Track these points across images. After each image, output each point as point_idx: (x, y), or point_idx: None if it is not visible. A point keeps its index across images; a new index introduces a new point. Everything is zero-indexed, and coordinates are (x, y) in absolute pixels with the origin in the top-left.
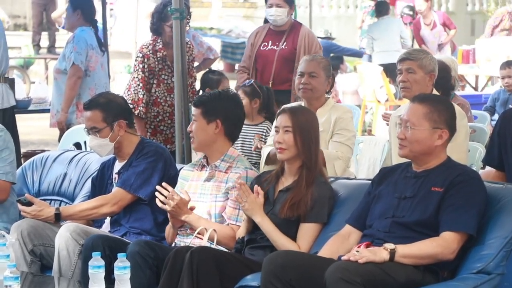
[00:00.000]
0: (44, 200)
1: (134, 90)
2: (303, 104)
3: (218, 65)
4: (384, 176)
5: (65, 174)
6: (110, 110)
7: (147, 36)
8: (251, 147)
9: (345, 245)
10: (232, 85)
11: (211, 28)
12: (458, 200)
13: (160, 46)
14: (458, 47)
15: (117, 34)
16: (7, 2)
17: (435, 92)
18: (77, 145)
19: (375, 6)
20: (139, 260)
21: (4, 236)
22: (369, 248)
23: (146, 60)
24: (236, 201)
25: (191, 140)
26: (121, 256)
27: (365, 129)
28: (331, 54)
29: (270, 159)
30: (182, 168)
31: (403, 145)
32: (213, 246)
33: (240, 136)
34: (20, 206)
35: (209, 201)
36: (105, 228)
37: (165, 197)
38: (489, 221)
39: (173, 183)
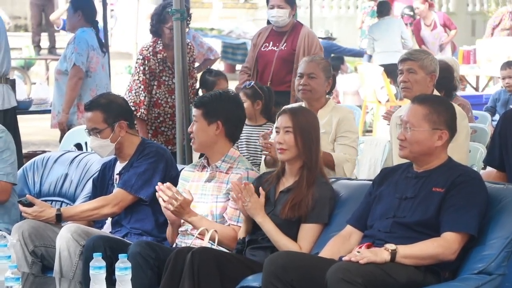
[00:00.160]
0: (45, 201)
1: (135, 92)
2: (303, 105)
3: (219, 66)
4: (385, 177)
5: (66, 175)
6: (111, 111)
7: (147, 37)
8: (256, 148)
9: (346, 245)
10: (233, 86)
11: (212, 29)
12: (459, 200)
13: (160, 47)
14: (458, 48)
15: (118, 35)
16: (8, 3)
17: (436, 92)
18: (78, 146)
19: (376, 6)
20: (140, 261)
21: (5, 237)
22: (370, 248)
23: (146, 62)
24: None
25: (192, 141)
26: (122, 257)
27: (366, 130)
28: (332, 55)
29: (267, 163)
30: (183, 169)
31: (403, 146)
32: (214, 247)
33: (244, 137)
34: (21, 207)
35: (210, 201)
36: (106, 229)
37: (169, 197)
38: (490, 221)
39: (174, 184)
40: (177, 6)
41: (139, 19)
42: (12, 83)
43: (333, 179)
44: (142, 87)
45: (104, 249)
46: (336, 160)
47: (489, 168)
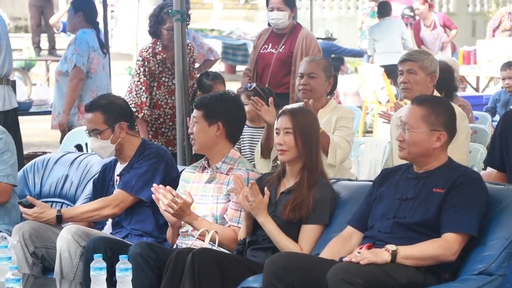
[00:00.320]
0: (46, 202)
1: (136, 94)
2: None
3: (219, 67)
4: (385, 177)
5: (67, 176)
6: (111, 112)
7: (148, 38)
8: None
9: (346, 246)
10: (234, 87)
11: (212, 30)
12: (460, 201)
13: (160, 48)
14: (459, 48)
15: (118, 35)
16: (8, 4)
17: (436, 93)
18: (79, 147)
19: (377, 6)
20: (140, 262)
21: (5, 238)
22: (371, 249)
23: (146, 63)
24: (235, 201)
25: (192, 142)
26: (122, 258)
27: (366, 131)
28: (332, 55)
29: (265, 149)
30: (183, 170)
31: (402, 147)
32: (214, 248)
33: (247, 139)
34: (21, 208)
35: (210, 203)
36: (107, 230)
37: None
38: (491, 222)
39: (174, 185)
40: (177, 7)
41: (140, 20)
42: (13, 84)
43: (333, 180)
44: (143, 88)
45: (105, 250)
46: (332, 143)
47: (489, 169)
